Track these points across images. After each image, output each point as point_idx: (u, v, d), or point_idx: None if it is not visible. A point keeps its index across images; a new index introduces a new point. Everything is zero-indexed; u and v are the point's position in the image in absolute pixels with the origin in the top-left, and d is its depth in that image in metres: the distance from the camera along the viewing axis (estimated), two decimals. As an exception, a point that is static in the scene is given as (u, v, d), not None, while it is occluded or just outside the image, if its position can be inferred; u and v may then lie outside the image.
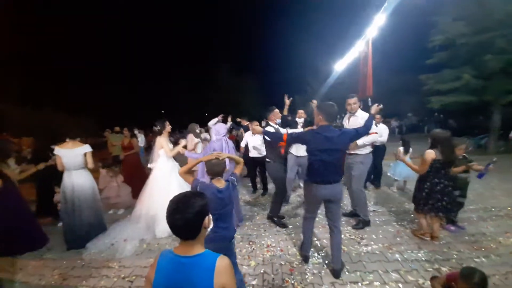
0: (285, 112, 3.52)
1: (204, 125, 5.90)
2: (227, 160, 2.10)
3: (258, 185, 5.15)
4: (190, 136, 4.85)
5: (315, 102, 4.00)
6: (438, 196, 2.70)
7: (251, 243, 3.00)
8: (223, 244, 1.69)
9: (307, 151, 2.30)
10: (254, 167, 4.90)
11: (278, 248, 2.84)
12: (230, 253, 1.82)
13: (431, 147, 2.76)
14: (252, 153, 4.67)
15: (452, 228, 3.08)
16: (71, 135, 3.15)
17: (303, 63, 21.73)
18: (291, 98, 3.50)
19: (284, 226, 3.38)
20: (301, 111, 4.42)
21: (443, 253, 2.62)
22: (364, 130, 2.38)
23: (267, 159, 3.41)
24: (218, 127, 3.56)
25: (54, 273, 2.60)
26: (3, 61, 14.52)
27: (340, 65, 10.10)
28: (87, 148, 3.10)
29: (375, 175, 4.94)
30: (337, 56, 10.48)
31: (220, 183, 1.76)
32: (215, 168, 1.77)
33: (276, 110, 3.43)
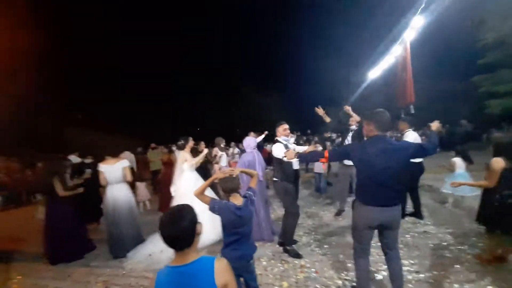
0: (327, 120, 3.51)
1: (232, 140, 6.16)
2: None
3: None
4: (215, 150, 5.05)
5: (348, 107, 3.85)
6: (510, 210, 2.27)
7: (283, 262, 2.84)
8: (240, 263, 1.60)
9: (356, 165, 1.97)
10: None
11: (313, 270, 2.63)
12: (249, 274, 1.72)
13: (496, 155, 2.38)
14: None
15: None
16: (112, 153, 3.48)
17: (334, 74, 21.22)
18: (320, 107, 3.43)
19: (298, 256, 2.90)
20: (353, 118, 3.95)
21: (509, 281, 2.15)
22: (431, 147, 1.86)
23: (274, 178, 3.12)
24: (248, 141, 3.61)
25: (98, 280, 2.79)
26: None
27: (374, 73, 9.61)
28: (125, 163, 3.43)
29: (414, 203, 3.82)
30: (370, 64, 10.03)
31: (237, 200, 1.70)
32: (228, 185, 1.72)
33: (284, 126, 3.15)
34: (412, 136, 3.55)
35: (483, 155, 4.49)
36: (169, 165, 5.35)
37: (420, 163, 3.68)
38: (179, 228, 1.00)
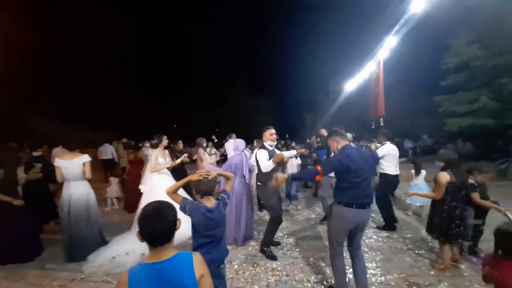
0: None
1: (210, 141, 6.12)
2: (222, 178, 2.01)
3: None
4: (200, 150, 4.93)
5: (323, 131, 4.02)
6: (457, 222, 2.53)
7: (255, 265, 2.85)
8: (210, 267, 1.57)
9: (341, 174, 2.09)
10: None
11: (284, 273, 2.67)
12: (218, 279, 1.66)
13: (443, 169, 2.64)
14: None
15: (474, 259, 2.81)
16: (70, 146, 3.13)
17: (315, 83, 22.05)
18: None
19: (273, 258, 2.97)
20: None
21: (464, 286, 2.39)
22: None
23: (258, 182, 3.11)
24: (237, 143, 3.52)
25: (53, 284, 2.55)
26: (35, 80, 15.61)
27: (351, 86, 10.14)
28: (85, 158, 3.07)
29: (387, 214, 3.87)
30: (348, 76, 10.57)
31: (210, 202, 1.67)
32: (202, 188, 1.69)
33: (271, 130, 3.13)
34: (388, 147, 3.71)
35: (432, 167, 4.96)
36: (136, 163, 5.07)
37: (397, 175, 3.76)
38: (163, 224, 1.02)
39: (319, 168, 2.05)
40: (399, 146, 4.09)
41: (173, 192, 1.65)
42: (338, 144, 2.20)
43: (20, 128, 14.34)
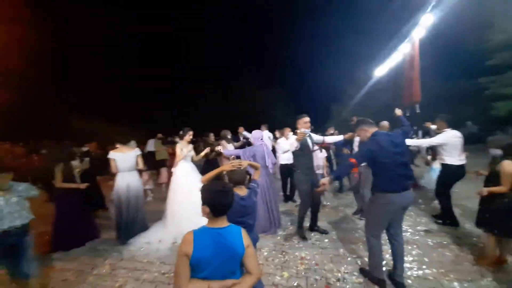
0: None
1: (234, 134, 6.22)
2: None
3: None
4: (223, 143, 5.06)
5: (355, 119, 3.86)
6: None
7: (284, 253, 2.90)
8: None
9: (376, 160, 2.11)
10: (286, 175, 4.79)
11: (313, 262, 2.69)
12: None
13: (505, 158, 2.33)
14: (283, 160, 4.63)
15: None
16: (124, 141, 3.51)
17: (338, 69, 20.95)
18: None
19: (304, 239, 3.20)
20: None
21: (509, 282, 2.19)
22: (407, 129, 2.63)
23: (293, 168, 3.36)
24: (256, 134, 3.66)
25: (105, 263, 2.87)
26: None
27: (380, 71, 9.50)
28: (138, 151, 3.51)
29: (447, 209, 3.56)
30: (377, 61, 9.91)
31: (242, 191, 1.76)
32: (235, 177, 1.78)
33: (305, 119, 3.22)
34: (449, 134, 3.37)
35: (479, 157, 4.49)
36: (174, 155, 5.44)
37: (462, 166, 3.33)
38: (229, 198, 1.28)
39: (353, 160, 2.09)
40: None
41: (208, 181, 1.75)
42: (366, 132, 2.24)
43: (61, 126, 15.70)
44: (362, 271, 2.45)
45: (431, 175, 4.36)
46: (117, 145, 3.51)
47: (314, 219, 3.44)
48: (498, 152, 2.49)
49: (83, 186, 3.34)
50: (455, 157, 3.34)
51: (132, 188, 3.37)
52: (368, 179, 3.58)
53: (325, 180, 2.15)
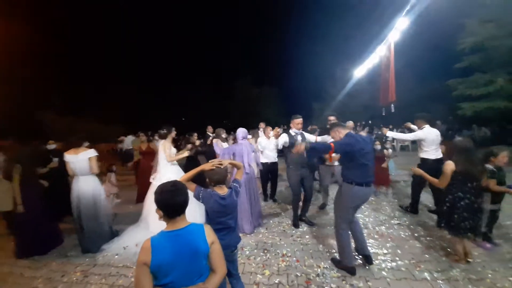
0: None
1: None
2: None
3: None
4: (218, 141, 4.98)
5: (332, 118, 4.00)
6: (464, 214, 2.38)
7: (265, 251, 2.91)
8: (224, 252, 1.59)
9: (350, 155, 2.34)
10: (266, 174, 4.77)
11: (294, 259, 2.73)
12: (231, 263, 1.74)
13: (450, 158, 2.49)
14: (264, 159, 4.65)
15: (488, 245, 2.77)
16: (70, 141, 3.11)
17: (321, 70, 21.45)
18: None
19: (296, 226, 3.53)
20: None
21: (477, 272, 2.37)
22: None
23: (286, 163, 3.56)
24: (239, 132, 3.61)
25: (76, 270, 2.70)
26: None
27: (359, 72, 9.84)
28: (91, 153, 3.05)
29: (416, 198, 3.92)
30: (356, 62, 10.25)
31: (222, 190, 1.72)
32: (214, 177, 1.73)
33: (298, 120, 3.46)
34: (426, 131, 3.59)
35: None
36: (148, 154, 5.07)
37: (438, 160, 3.53)
38: (181, 196, 1.20)
39: (332, 145, 2.30)
40: (407, 132, 3.98)
41: (186, 180, 1.69)
42: (340, 133, 2.49)
43: (34, 125, 14.74)
44: (333, 260, 2.63)
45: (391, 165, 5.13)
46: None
47: (304, 209, 3.66)
48: (443, 148, 2.71)
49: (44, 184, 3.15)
50: (431, 151, 3.60)
51: (84, 194, 3.01)
52: (326, 174, 4.20)
53: (301, 144, 2.48)
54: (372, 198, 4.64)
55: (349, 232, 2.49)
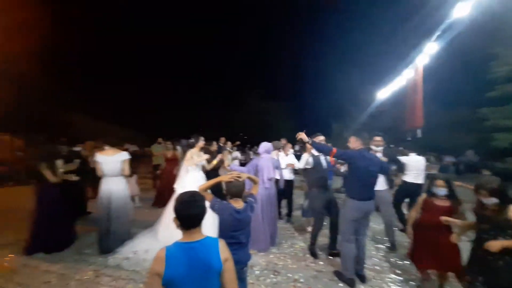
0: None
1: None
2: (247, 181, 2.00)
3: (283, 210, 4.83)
4: (225, 153, 5.04)
5: (378, 139, 3.91)
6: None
7: (276, 273, 2.78)
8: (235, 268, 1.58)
9: (351, 167, 2.53)
10: (282, 191, 4.44)
11: (307, 285, 2.57)
12: (241, 281, 1.67)
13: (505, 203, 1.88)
14: (278, 176, 4.50)
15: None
16: (111, 142, 3.25)
17: (342, 90, 21.25)
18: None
19: (314, 255, 3.20)
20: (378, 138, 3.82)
21: None
22: (386, 170, 2.71)
23: (308, 185, 3.42)
24: (262, 147, 3.52)
25: (89, 269, 2.76)
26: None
27: (383, 94, 9.65)
28: (125, 156, 3.17)
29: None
30: (380, 84, 10.08)
31: (238, 204, 1.71)
32: (233, 189, 1.73)
33: (319, 137, 3.23)
34: (408, 158, 3.95)
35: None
36: (173, 161, 5.31)
37: (414, 184, 3.85)
38: (198, 208, 1.18)
39: (334, 149, 2.46)
40: (439, 160, 3.82)
41: (204, 190, 1.70)
42: (354, 143, 2.59)
43: (61, 123, 15.62)
44: (336, 273, 2.71)
45: None
46: (106, 147, 3.26)
47: (333, 239, 3.23)
48: (493, 201, 1.82)
49: (74, 178, 3.36)
50: (410, 175, 3.95)
51: (114, 196, 3.09)
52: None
53: (304, 136, 2.64)
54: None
55: (354, 245, 2.54)
